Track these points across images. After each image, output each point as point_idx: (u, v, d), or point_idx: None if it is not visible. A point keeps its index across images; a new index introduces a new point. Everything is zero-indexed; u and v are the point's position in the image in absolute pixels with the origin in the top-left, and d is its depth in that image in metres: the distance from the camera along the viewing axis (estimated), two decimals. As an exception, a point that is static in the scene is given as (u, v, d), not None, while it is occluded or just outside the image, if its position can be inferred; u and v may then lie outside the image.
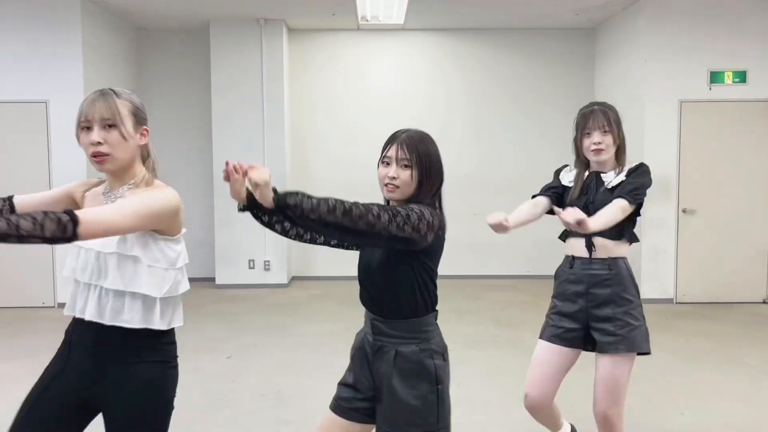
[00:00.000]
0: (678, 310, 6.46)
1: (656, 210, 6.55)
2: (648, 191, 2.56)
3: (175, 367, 1.82)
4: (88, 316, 1.70)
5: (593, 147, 2.59)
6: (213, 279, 7.84)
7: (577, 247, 2.63)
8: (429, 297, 1.90)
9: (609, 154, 2.62)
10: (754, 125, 6.67)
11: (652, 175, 2.59)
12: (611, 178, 2.61)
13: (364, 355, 1.96)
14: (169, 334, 1.80)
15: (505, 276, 8.11)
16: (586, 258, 2.60)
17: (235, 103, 7.61)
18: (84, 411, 1.77)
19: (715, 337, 5.44)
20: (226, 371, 4.54)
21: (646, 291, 6.67)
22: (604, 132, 2.59)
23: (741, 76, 6.63)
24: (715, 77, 6.63)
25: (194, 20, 7.58)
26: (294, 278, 8.09)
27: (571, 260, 2.65)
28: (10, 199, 1.88)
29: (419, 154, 1.87)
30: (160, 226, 1.71)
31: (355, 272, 2.01)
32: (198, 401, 3.91)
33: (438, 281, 1.94)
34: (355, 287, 2.04)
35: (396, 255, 1.85)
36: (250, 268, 7.72)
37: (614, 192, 2.54)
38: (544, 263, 7.19)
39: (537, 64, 8.12)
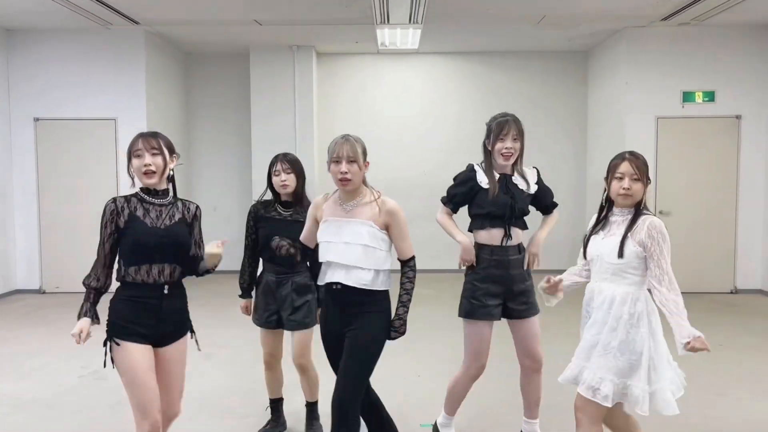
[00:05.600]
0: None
1: (636, 212, 7.56)
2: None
3: None
4: None
5: (505, 151, 3.07)
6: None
7: (496, 236, 3.09)
8: None
9: (514, 159, 3.11)
10: (721, 138, 7.68)
11: None
12: (525, 185, 3.15)
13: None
14: None
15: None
16: (504, 246, 3.10)
17: (271, 117, 8.76)
18: None
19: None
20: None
21: (628, 282, 7.70)
22: (514, 139, 3.08)
23: (710, 96, 7.64)
24: (687, 97, 7.65)
25: (236, 47, 8.76)
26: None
27: (491, 248, 3.10)
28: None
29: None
30: None
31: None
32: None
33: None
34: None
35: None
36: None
37: (536, 200, 3.21)
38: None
39: (535, 84, 9.17)
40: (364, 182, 2.78)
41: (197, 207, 2.75)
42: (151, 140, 2.56)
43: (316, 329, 3.07)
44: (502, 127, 3.08)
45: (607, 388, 2.56)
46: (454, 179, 3.25)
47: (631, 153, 2.68)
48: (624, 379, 2.56)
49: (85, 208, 7.58)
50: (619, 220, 2.67)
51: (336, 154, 2.67)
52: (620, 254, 2.59)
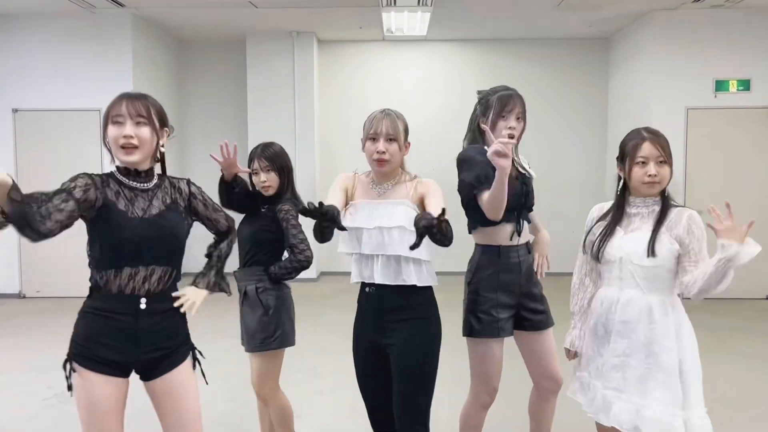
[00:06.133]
0: (685, 305, 6.85)
1: (663, 210, 6.96)
2: None
3: None
4: None
5: (507, 131, 2.48)
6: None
7: (507, 232, 2.54)
8: None
9: (514, 142, 2.43)
10: (758, 130, 7.06)
11: None
12: (527, 168, 2.64)
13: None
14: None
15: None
16: (515, 245, 2.56)
17: (269, 109, 8.18)
18: None
19: (719, 330, 5.80)
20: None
21: (654, 287, 7.12)
22: (518, 119, 2.53)
23: (745, 85, 7.02)
24: (720, 86, 7.04)
25: (232, 33, 8.18)
26: (322, 273, 8.63)
27: (498, 249, 2.55)
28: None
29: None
30: None
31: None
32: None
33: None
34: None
35: None
36: (281, 263, 8.27)
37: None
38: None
39: (553, 73, 8.56)
40: (402, 167, 2.38)
41: (188, 181, 2.15)
42: (137, 104, 1.93)
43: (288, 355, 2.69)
44: (505, 102, 2.51)
45: (679, 425, 2.09)
46: (465, 160, 2.50)
47: (648, 130, 2.24)
48: (687, 411, 2.12)
49: (67, 206, 7.01)
50: (643, 212, 2.26)
51: (373, 130, 2.30)
52: (651, 252, 2.16)
